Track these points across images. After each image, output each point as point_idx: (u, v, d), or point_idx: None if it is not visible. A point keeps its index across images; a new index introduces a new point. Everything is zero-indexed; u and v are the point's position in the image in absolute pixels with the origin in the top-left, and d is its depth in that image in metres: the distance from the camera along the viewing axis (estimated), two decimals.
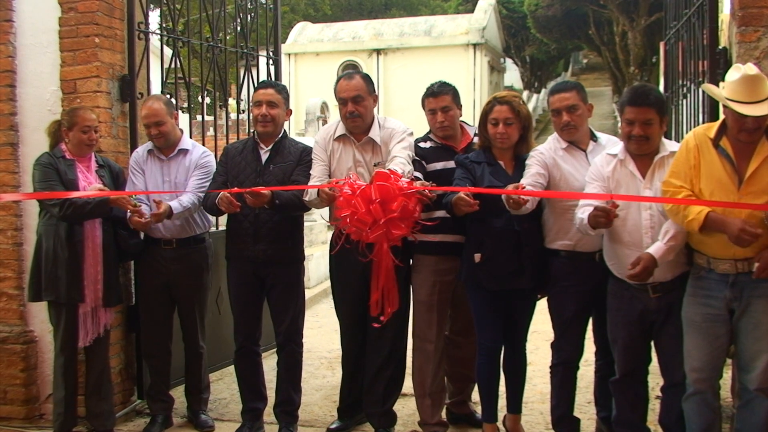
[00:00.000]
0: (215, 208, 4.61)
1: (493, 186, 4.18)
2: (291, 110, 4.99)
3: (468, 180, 4.27)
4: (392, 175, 3.90)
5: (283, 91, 4.87)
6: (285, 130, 4.95)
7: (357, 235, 3.92)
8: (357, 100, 4.57)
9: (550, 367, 4.41)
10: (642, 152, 3.91)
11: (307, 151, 4.79)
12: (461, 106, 4.80)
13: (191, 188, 4.82)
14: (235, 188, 4.49)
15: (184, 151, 4.98)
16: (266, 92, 4.74)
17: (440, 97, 4.62)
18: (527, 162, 4.27)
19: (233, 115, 7.22)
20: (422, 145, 4.72)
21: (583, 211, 3.89)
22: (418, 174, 4.39)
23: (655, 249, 3.78)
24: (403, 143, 4.47)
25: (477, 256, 4.23)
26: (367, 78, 4.73)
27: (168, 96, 5.20)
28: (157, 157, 4.95)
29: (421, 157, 4.61)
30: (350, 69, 28.66)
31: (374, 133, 4.60)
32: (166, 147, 4.94)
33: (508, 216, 4.15)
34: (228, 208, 4.44)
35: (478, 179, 4.27)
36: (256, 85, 5.34)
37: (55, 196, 4.46)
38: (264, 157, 4.76)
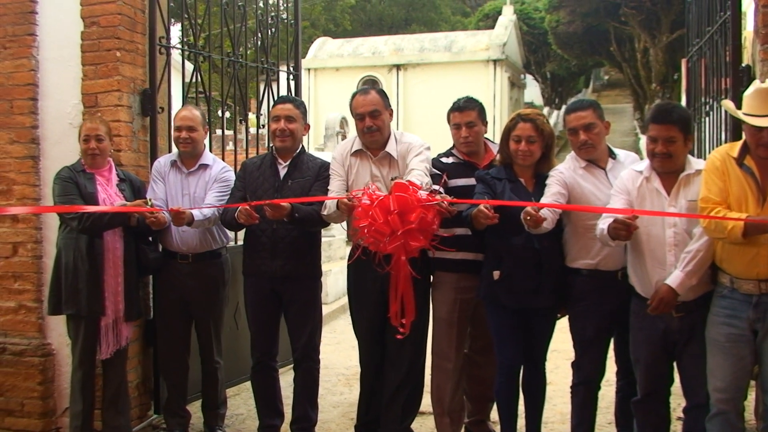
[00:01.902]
0: (234, 222, 4.55)
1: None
2: (309, 125, 4.96)
3: (488, 195, 4.21)
4: (411, 186, 3.87)
5: (301, 106, 4.85)
6: (303, 146, 4.90)
7: (375, 245, 3.90)
8: (374, 114, 4.53)
9: (571, 386, 4.36)
10: (665, 170, 3.88)
11: (325, 167, 4.76)
12: (486, 122, 4.76)
13: (210, 202, 4.74)
14: (255, 201, 4.44)
15: (205, 166, 4.95)
16: (284, 107, 4.74)
17: (466, 112, 4.60)
18: (547, 181, 4.23)
19: (252, 130, 7.21)
20: (444, 160, 4.67)
21: (604, 222, 3.87)
22: (436, 187, 4.29)
23: (673, 279, 3.77)
24: (420, 157, 4.43)
25: (496, 274, 4.18)
26: (382, 93, 4.68)
27: (202, 110, 5.15)
28: (179, 169, 4.93)
29: (442, 171, 4.48)
30: (369, 84, 28.19)
31: (391, 148, 4.56)
32: (189, 157, 4.91)
33: (528, 234, 4.07)
34: (247, 220, 4.38)
35: (498, 195, 4.22)
36: (275, 99, 5.32)
37: (62, 210, 4.45)
38: (282, 172, 4.74)
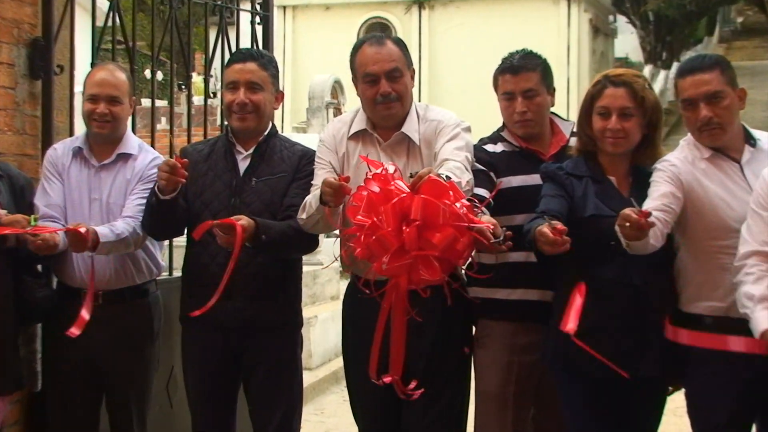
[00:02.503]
0: (158, 210, 4.25)
1: (600, 212, 3.79)
2: (282, 93, 4.59)
3: (562, 200, 3.87)
4: (452, 191, 3.55)
5: (271, 65, 4.49)
6: (274, 125, 4.52)
7: (367, 256, 3.65)
8: (393, 75, 4.16)
9: None
10: None
11: (308, 157, 4.38)
12: (554, 90, 4.38)
13: (131, 211, 4.40)
14: (208, 221, 4.09)
15: (126, 157, 4.55)
16: (245, 67, 4.43)
17: (522, 75, 4.23)
18: (653, 178, 3.86)
19: (198, 100, 7.06)
20: (490, 148, 4.29)
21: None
22: (482, 191, 3.95)
23: None
24: (457, 141, 4.06)
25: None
26: (401, 44, 4.31)
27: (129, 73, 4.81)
28: (86, 162, 4.51)
29: (488, 167, 4.19)
30: (377, 31, 23.42)
31: (410, 128, 4.18)
32: (104, 143, 4.53)
33: (623, 261, 3.70)
34: (169, 183, 4.09)
35: (578, 201, 3.85)
36: (231, 55, 5.04)
37: None
38: (243, 165, 4.37)
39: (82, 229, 4.11)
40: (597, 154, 4.01)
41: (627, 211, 3.41)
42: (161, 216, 4.27)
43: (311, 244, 4.33)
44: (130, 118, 4.86)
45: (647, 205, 3.67)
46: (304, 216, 4.09)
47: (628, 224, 3.41)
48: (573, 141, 4.22)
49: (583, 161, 4.01)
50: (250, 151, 4.41)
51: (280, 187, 4.34)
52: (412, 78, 4.34)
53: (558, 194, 3.91)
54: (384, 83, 4.18)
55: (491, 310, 4.24)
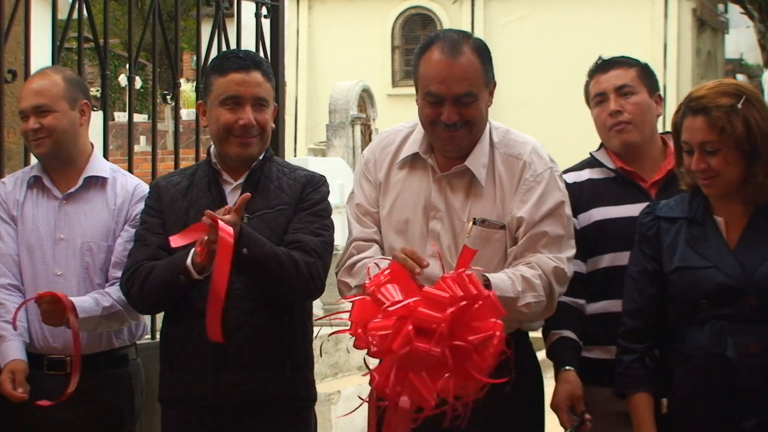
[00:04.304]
0: (178, 293, 3.88)
1: (687, 263, 3.54)
2: (277, 107, 4.27)
3: (651, 278, 3.70)
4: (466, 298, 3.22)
5: (272, 74, 4.23)
6: (269, 146, 4.20)
7: (379, 352, 3.45)
8: (465, 101, 3.68)
9: None
10: None
11: (314, 183, 4.03)
12: (658, 92, 4.05)
13: (120, 257, 4.17)
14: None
15: (96, 182, 4.28)
16: (250, 79, 4.05)
17: (613, 70, 4.02)
18: None
19: (187, 114, 6.70)
20: (571, 178, 4.03)
21: None
22: (571, 335, 3.88)
23: None
24: (553, 223, 3.76)
25: (664, 402, 3.80)
26: (483, 53, 3.84)
27: (71, 72, 4.67)
28: (47, 193, 4.23)
29: (573, 199, 3.90)
30: (416, 26, 21.97)
31: (476, 162, 3.75)
32: (61, 167, 4.30)
33: (719, 327, 3.53)
34: (204, 256, 3.75)
35: (665, 253, 3.62)
36: (220, 59, 4.64)
37: None
38: (232, 198, 3.96)
39: (60, 297, 4.14)
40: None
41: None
42: (178, 296, 4.05)
43: (313, 286, 3.99)
44: (99, 136, 4.73)
45: None
46: (349, 280, 3.88)
47: None
48: None
49: (689, 198, 3.79)
50: (241, 180, 4.06)
51: (280, 223, 4.01)
52: (491, 95, 3.98)
53: (646, 268, 3.79)
54: (449, 110, 3.79)
55: (591, 371, 4.08)
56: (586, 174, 4.17)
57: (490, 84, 3.91)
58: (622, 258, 3.86)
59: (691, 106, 3.70)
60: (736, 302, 3.51)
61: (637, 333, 3.77)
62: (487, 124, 3.96)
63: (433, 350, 3.29)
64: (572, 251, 3.82)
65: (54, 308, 4.01)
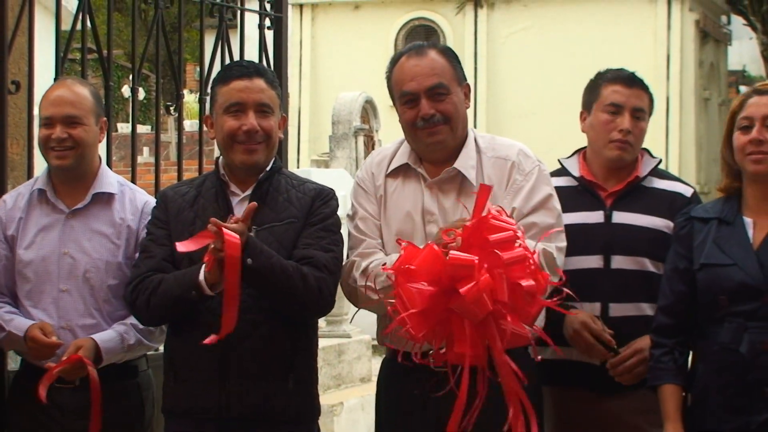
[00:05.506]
0: (187, 307, 3.87)
1: (711, 260, 3.66)
2: (286, 117, 4.27)
3: (682, 276, 3.80)
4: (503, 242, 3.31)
5: (277, 83, 4.21)
6: (278, 158, 4.17)
7: (413, 336, 3.48)
8: (436, 92, 3.83)
9: None
10: None
11: (323, 196, 4.02)
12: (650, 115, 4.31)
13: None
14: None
15: (104, 199, 4.25)
16: (253, 85, 4.05)
17: (636, 90, 4.14)
18: None
19: (190, 125, 6.68)
20: (555, 182, 4.09)
21: None
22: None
23: None
24: (545, 214, 3.88)
25: (689, 397, 3.93)
26: (449, 53, 4.01)
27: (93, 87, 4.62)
28: (52, 207, 4.19)
29: None
30: (420, 36, 21.68)
31: (465, 163, 3.87)
32: (72, 181, 4.25)
33: (740, 323, 3.60)
34: (214, 274, 3.76)
35: (695, 251, 3.75)
36: (225, 68, 4.71)
37: None
38: (239, 210, 3.92)
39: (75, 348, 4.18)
40: (742, 189, 3.87)
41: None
42: (187, 311, 4.05)
43: (323, 301, 3.97)
44: (102, 147, 4.63)
45: None
46: (365, 283, 3.87)
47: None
48: (651, 179, 4.35)
49: (722, 201, 3.89)
50: (248, 191, 4.02)
51: (289, 236, 3.97)
52: (467, 96, 4.09)
53: (677, 268, 3.90)
54: (425, 103, 3.96)
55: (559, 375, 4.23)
56: (554, 182, 4.23)
57: (462, 83, 4.06)
58: (574, 262, 4.03)
59: (757, 89, 3.85)
60: (755, 300, 3.57)
61: (667, 329, 3.87)
62: (471, 133, 4.08)
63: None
64: (563, 243, 3.89)
65: (73, 367, 4.08)
